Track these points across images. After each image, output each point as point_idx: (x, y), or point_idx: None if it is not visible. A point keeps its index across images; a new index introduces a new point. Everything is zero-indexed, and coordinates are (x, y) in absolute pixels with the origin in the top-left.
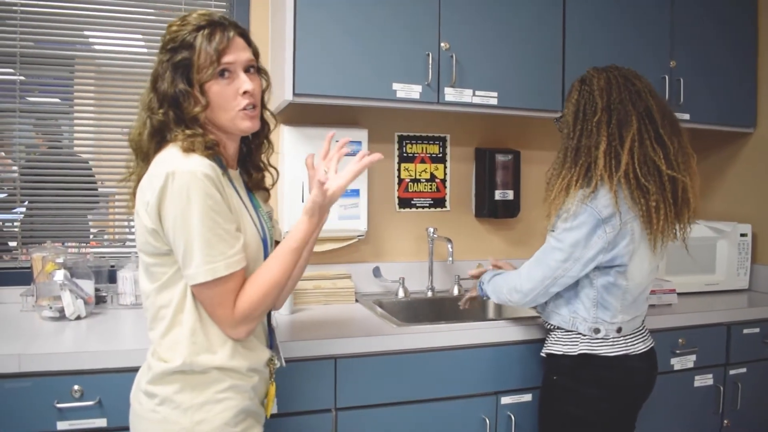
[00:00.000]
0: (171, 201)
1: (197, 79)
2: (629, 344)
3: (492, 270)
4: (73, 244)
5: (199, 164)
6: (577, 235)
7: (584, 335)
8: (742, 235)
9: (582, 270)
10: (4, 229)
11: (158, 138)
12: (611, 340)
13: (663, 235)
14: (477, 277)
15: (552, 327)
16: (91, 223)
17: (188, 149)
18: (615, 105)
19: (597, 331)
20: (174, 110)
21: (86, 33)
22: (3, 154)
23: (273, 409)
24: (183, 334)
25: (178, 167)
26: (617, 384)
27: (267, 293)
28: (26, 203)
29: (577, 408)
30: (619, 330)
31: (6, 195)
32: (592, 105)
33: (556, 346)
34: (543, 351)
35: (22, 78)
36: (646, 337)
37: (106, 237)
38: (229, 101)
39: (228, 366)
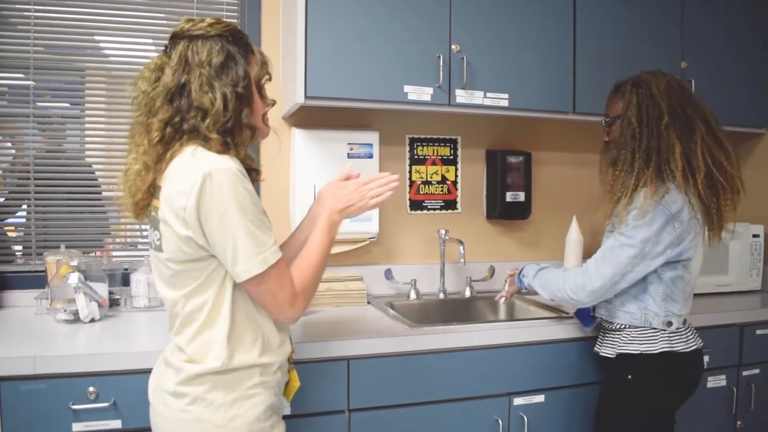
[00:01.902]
0: (212, 201)
1: (256, 78)
2: (695, 338)
3: (532, 264)
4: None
5: (231, 162)
6: (647, 232)
7: (659, 330)
8: (755, 236)
9: (650, 266)
10: (14, 233)
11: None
12: (684, 334)
13: (720, 231)
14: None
15: (619, 326)
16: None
17: (222, 151)
18: (676, 109)
19: (669, 324)
20: (243, 96)
21: (97, 38)
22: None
23: (287, 409)
24: (218, 336)
25: (214, 167)
26: (691, 378)
27: (319, 266)
28: (24, 207)
29: (653, 404)
30: (684, 321)
31: (4, 200)
32: (655, 108)
33: (632, 345)
34: (611, 351)
35: (34, 83)
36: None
37: (118, 240)
38: (262, 107)
39: (259, 363)
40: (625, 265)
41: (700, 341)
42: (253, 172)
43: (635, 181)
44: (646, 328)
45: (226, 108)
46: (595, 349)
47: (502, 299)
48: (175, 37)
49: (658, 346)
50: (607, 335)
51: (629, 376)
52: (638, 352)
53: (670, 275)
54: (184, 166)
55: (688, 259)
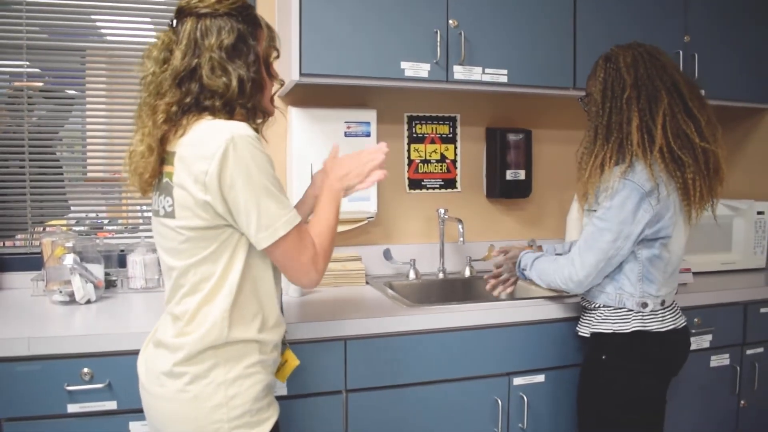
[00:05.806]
0: (236, 166)
1: (264, 54)
2: (674, 318)
3: (527, 251)
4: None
5: (249, 128)
6: (623, 213)
7: (633, 311)
8: (759, 213)
9: (633, 246)
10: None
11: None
12: (660, 315)
13: (699, 206)
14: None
15: (595, 305)
16: (104, 209)
17: (243, 120)
18: (643, 81)
19: (645, 305)
20: (257, 81)
21: (93, 17)
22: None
23: (283, 389)
24: (220, 308)
25: (236, 132)
26: (667, 358)
27: (333, 230)
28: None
29: (628, 385)
30: (662, 303)
31: None
32: (620, 82)
33: (604, 324)
34: (586, 330)
35: (28, 65)
36: (680, 312)
37: (120, 222)
38: (271, 87)
39: (258, 339)
40: (607, 251)
41: (683, 321)
42: None
43: (595, 159)
44: (620, 309)
45: (242, 91)
46: (576, 328)
47: (504, 293)
48: (182, 13)
49: (630, 326)
50: (585, 314)
51: (603, 357)
52: (611, 331)
53: (647, 254)
54: (204, 132)
55: (667, 237)
